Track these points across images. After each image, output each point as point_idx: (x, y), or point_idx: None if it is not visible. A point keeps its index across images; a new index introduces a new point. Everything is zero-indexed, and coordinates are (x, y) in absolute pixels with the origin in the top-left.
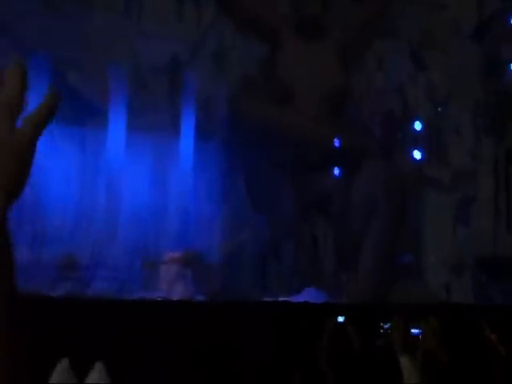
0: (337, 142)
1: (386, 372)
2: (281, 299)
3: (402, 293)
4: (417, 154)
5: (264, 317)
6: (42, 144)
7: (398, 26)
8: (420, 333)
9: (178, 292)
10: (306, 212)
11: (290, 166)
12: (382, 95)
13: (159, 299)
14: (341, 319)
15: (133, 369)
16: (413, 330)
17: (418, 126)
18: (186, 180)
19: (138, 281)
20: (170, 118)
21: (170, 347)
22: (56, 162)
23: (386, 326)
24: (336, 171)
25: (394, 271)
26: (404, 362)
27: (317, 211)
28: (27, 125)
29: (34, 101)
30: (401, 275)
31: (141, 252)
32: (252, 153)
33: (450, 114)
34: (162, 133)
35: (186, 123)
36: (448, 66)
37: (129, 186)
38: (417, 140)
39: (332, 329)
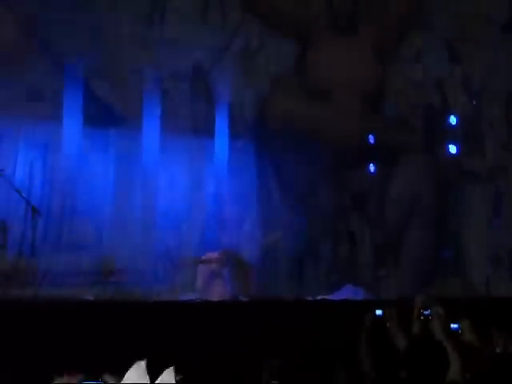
0: (371, 139)
1: (429, 363)
2: (320, 297)
3: (444, 287)
4: (452, 148)
5: (304, 315)
6: (76, 152)
7: (433, 18)
8: (459, 327)
9: (215, 292)
10: (344, 210)
11: (328, 165)
12: (421, 89)
13: (198, 300)
14: (379, 312)
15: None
16: (452, 325)
17: (453, 120)
18: (220, 182)
19: (172, 283)
20: (203, 122)
21: (209, 347)
22: (91, 170)
23: (426, 313)
24: (373, 168)
25: (434, 266)
26: (447, 347)
27: (354, 208)
28: None
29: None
30: (441, 270)
31: (176, 254)
32: (287, 152)
33: (484, 107)
34: (195, 136)
35: (219, 126)
36: (481, 58)
37: (164, 190)
38: (453, 134)
39: (370, 324)
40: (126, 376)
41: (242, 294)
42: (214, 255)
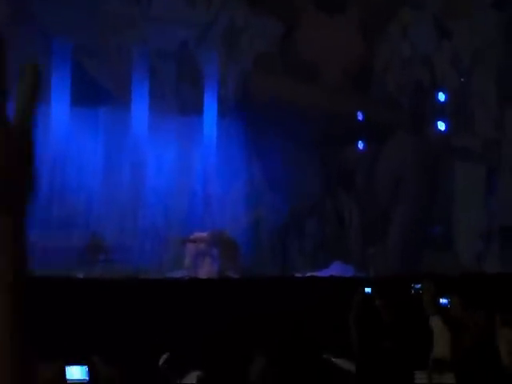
0: (360, 116)
1: (418, 337)
2: (308, 274)
3: (432, 263)
4: (441, 125)
5: (292, 291)
6: (65, 130)
7: None
8: (448, 302)
9: (203, 270)
10: (331, 187)
11: (314, 142)
12: (408, 66)
13: (188, 277)
14: (369, 290)
15: (163, 345)
16: (441, 300)
17: (441, 96)
18: (207, 160)
19: (160, 261)
20: (190, 99)
21: (200, 323)
22: (81, 147)
23: (416, 286)
24: (361, 145)
25: (424, 243)
26: (436, 321)
27: (342, 186)
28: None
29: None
30: (431, 246)
31: (163, 232)
32: (269, 131)
33: (475, 83)
34: (182, 114)
35: (206, 104)
36: (471, 34)
37: (152, 167)
38: (441, 111)
39: (360, 301)
40: None
41: (229, 272)
42: (202, 235)
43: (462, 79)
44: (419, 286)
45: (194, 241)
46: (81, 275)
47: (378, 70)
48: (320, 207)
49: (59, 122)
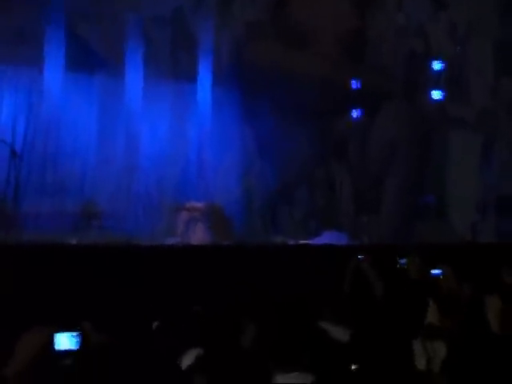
0: (354, 84)
1: (405, 308)
2: (301, 242)
3: (426, 232)
4: (437, 95)
5: (285, 259)
6: (59, 96)
7: None
8: (440, 273)
9: (195, 237)
10: (322, 156)
11: (307, 111)
12: (403, 35)
13: (180, 244)
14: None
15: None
16: (433, 271)
17: (437, 65)
18: (200, 128)
19: (153, 228)
20: (182, 67)
21: (192, 292)
22: (75, 113)
23: (401, 261)
24: (354, 114)
25: (417, 212)
26: (428, 294)
27: (334, 154)
28: None
29: (49, 52)
30: (425, 216)
31: (157, 200)
32: (261, 99)
33: (471, 53)
34: (176, 81)
35: (200, 71)
36: (468, 3)
37: (146, 134)
38: (437, 80)
39: (354, 269)
40: None
41: (221, 240)
42: (196, 204)
43: (458, 48)
44: (404, 260)
45: (188, 209)
46: (73, 241)
47: (372, 38)
48: (311, 175)
49: (53, 88)
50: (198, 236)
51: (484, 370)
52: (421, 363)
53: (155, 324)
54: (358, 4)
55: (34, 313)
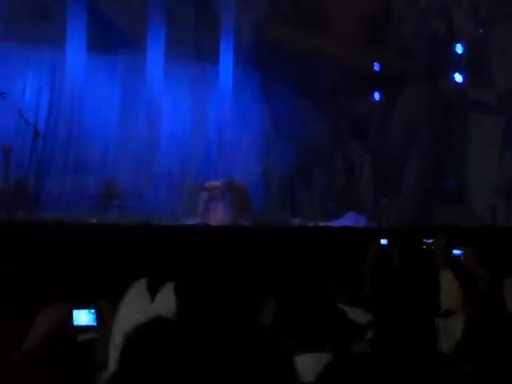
0: (377, 66)
1: (428, 289)
2: (321, 224)
3: (445, 216)
4: (458, 77)
5: (305, 241)
6: (81, 75)
7: None
8: (461, 253)
9: (216, 217)
10: (342, 137)
11: (328, 92)
12: (425, 17)
13: (201, 224)
14: (384, 242)
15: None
16: (454, 251)
17: (459, 48)
18: (220, 108)
19: (174, 208)
20: (204, 47)
21: (212, 270)
22: (97, 92)
23: (428, 241)
24: (375, 96)
25: (437, 195)
26: (445, 275)
27: (354, 136)
28: None
29: (71, 30)
30: (445, 199)
31: (178, 180)
32: (281, 80)
33: (493, 35)
34: (199, 62)
35: (220, 52)
36: None
37: (167, 113)
38: (459, 63)
39: (375, 252)
40: (127, 294)
41: (241, 220)
42: (215, 183)
43: (481, 30)
44: (431, 240)
45: (208, 189)
46: (94, 221)
47: (394, 20)
48: (331, 157)
49: (75, 66)
50: (219, 216)
51: (501, 352)
52: (440, 344)
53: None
54: None
55: (53, 290)
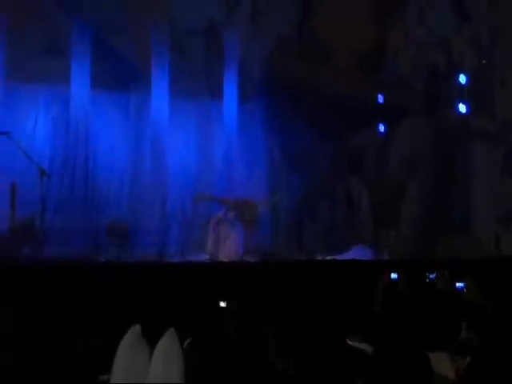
0: (381, 98)
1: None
2: (328, 258)
3: (449, 247)
4: (462, 108)
5: (313, 275)
6: (87, 111)
7: None
8: (464, 286)
9: (225, 252)
10: (341, 171)
11: (328, 126)
12: (424, 48)
13: (209, 261)
14: (393, 276)
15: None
16: (457, 284)
17: (462, 79)
18: (225, 143)
19: (183, 244)
20: (210, 82)
21: (221, 307)
22: (102, 128)
23: (431, 276)
24: (375, 129)
25: (440, 226)
26: (455, 308)
27: (352, 169)
28: None
29: (76, 66)
30: (448, 229)
31: (187, 215)
32: (287, 113)
33: (495, 66)
34: (203, 96)
35: (226, 86)
36: (492, 16)
37: (173, 150)
38: (462, 93)
39: (385, 285)
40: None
41: (249, 252)
42: (227, 199)
43: (484, 61)
44: (433, 275)
45: (217, 220)
46: (102, 259)
47: (393, 52)
48: (332, 190)
49: (81, 103)
50: (227, 251)
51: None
52: (449, 376)
53: (187, 342)
54: (377, 18)
55: (58, 330)
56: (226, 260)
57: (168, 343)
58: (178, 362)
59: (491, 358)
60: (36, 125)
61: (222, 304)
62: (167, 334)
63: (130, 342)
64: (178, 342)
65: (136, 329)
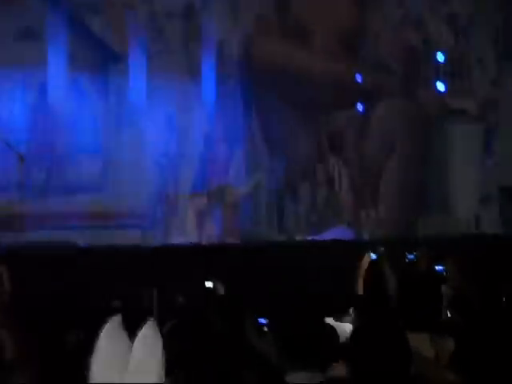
0: (359, 78)
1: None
2: (309, 238)
3: (428, 226)
4: (440, 86)
5: (294, 255)
6: (64, 93)
7: None
8: (444, 269)
9: (205, 233)
10: (321, 151)
11: (309, 106)
12: (402, 29)
13: (190, 244)
14: (374, 256)
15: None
16: (437, 267)
17: (440, 57)
18: (204, 124)
19: (161, 227)
20: (188, 63)
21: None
22: (80, 111)
23: (410, 257)
24: (354, 109)
25: (419, 205)
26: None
27: (332, 149)
28: None
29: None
30: (427, 209)
31: (167, 196)
32: (267, 94)
33: (472, 43)
34: (181, 77)
35: (205, 67)
36: None
37: (152, 131)
38: (440, 72)
39: (367, 265)
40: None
41: (229, 235)
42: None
43: (459, 39)
44: (413, 255)
45: (196, 200)
46: (84, 242)
47: (372, 33)
48: (312, 171)
49: (58, 85)
50: (207, 232)
51: (492, 363)
52: (429, 357)
53: (167, 326)
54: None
55: (39, 314)
56: (207, 242)
57: (148, 331)
58: (157, 349)
59: (473, 338)
60: (13, 109)
61: (207, 284)
62: (147, 323)
63: (109, 333)
64: (158, 330)
65: (116, 319)
